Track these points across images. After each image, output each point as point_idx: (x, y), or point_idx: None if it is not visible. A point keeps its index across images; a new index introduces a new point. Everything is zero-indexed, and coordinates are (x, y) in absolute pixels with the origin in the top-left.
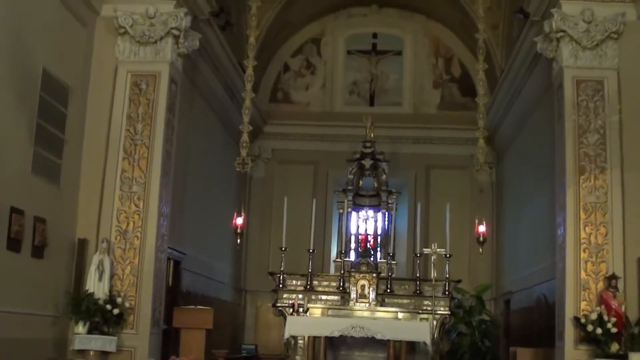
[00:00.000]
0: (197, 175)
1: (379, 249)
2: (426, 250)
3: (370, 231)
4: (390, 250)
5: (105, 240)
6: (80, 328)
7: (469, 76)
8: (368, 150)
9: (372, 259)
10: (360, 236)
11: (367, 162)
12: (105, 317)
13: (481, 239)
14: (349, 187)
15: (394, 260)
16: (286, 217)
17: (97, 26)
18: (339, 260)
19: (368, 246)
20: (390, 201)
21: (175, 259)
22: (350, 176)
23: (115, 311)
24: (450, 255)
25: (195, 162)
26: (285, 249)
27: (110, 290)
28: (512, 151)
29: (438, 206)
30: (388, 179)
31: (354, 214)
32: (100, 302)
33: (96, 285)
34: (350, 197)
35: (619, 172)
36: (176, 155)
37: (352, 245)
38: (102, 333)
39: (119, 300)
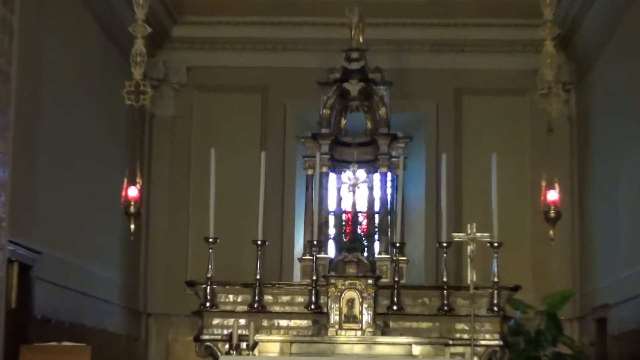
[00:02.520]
0: (59, 116)
1: (376, 236)
2: (458, 237)
3: (362, 207)
4: (397, 238)
5: None
6: None
7: None
8: (355, 66)
9: (365, 253)
10: (344, 215)
11: (354, 86)
12: None
13: (552, 213)
14: (324, 131)
15: (402, 256)
16: (215, 185)
17: None
18: (308, 257)
19: (358, 232)
20: (394, 153)
21: (23, 263)
22: (325, 111)
23: None
24: (499, 245)
25: (55, 92)
26: (215, 240)
27: None
28: (604, 64)
29: (476, 160)
30: (390, 115)
31: (332, 177)
32: None
33: None
34: (325, 148)
35: None
36: (20, 81)
37: (332, 231)
38: None
39: None
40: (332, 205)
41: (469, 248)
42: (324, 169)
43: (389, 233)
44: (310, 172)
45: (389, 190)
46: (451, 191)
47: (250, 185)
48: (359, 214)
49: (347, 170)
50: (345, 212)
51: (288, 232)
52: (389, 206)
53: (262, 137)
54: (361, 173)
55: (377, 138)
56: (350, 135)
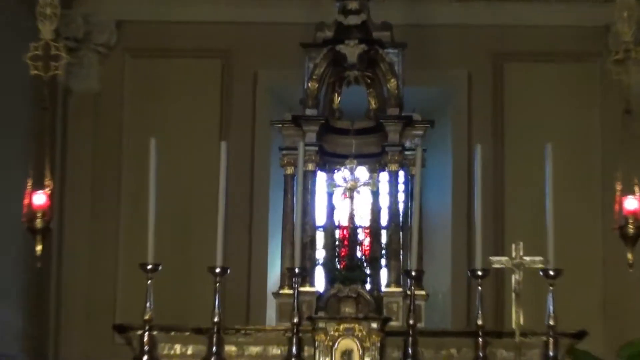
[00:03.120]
0: None
1: (383, 261)
2: (499, 262)
3: (363, 220)
4: (412, 264)
5: None
6: None
7: None
8: (354, 20)
9: (367, 285)
10: (338, 231)
11: (352, 50)
12: None
13: (630, 229)
14: (309, 112)
15: (420, 289)
16: (155, 189)
17: None
18: (286, 291)
19: (358, 255)
20: (409, 144)
21: None
22: (312, 85)
23: None
24: (557, 273)
25: None
26: (156, 267)
27: None
28: None
29: (524, 153)
30: (403, 91)
31: (321, 177)
32: None
33: None
34: (311, 137)
35: None
36: None
37: (320, 253)
38: None
39: None
40: (321, 218)
41: (515, 278)
42: (310, 167)
43: (401, 257)
44: (290, 170)
45: (401, 197)
46: (489, 197)
47: (205, 189)
48: (359, 230)
49: (343, 169)
50: (339, 227)
51: (259, 255)
52: (401, 219)
53: (222, 122)
54: (362, 172)
55: (384, 123)
56: (347, 119)
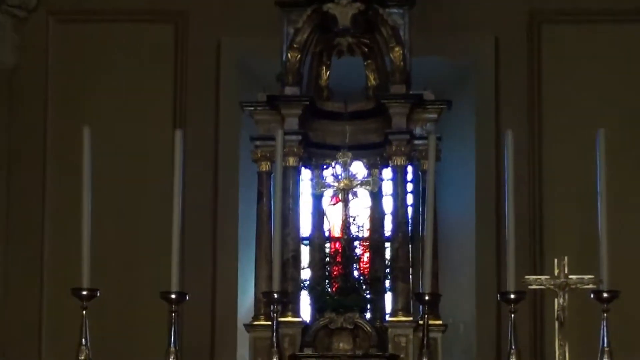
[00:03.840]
0: None
1: (387, 282)
2: (537, 282)
3: (361, 230)
4: (425, 287)
5: None
6: None
7: None
8: None
9: (367, 314)
10: (329, 244)
11: (344, 10)
12: None
13: None
14: (289, 91)
15: (436, 319)
16: (90, 190)
17: None
18: (262, 322)
19: (355, 275)
20: (419, 131)
21: None
22: (292, 55)
23: None
24: (612, 296)
25: None
26: (93, 294)
27: None
28: None
29: (567, 140)
30: (411, 63)
31: (306, 175)
32: None
33: None
34: (293, 123)
35: None
36: None
37: (306, 273)
38: None
39: None
40: (306, 228)
41: (558, 302)
42: (292, 162)
43: (411, 277)
44: (265, 167)
45: (409, 200)
46: (523, 198)
47: (155, 191)
48: (356, 243)
49: (334, 164)
50: (330, 239)
51: (226, 276)
52: (409, 228)
53: (176, 105)
54: (359, 168)
55: (387, 104)
56: (339, 100)
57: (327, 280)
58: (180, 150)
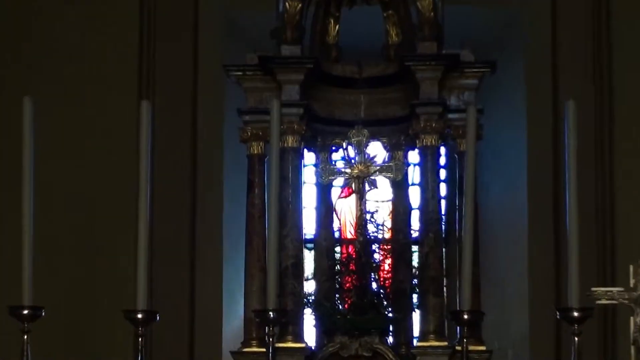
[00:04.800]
0: None
1: (415, 296)
2: (607, 296)
3: (380, 230)
4: (464, 303)
5: None
6: None
7: None
8: None
9: (390, 337)
10: (340, 249)
11: None
12: None
13: None
14: (287, 51)
15: (479, 344)
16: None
17: None
18: (254, 349)
19: (372, 287)
20: (455, 102)
21: None
22: (291, 5)
23: None
24: None
25: None
26: (36, 313)
27: None
28: None
29: None
30: (443, 12)
31: (309, 159)
32: None
33: None
34: (292, 92)
35: None
36: None
37: (310, 286)
38: None
39: None
40: (309, 227)
41: (635, 322)
42: (291, 142)
43: (445, 290)
44: (256, 149)
45: (442, 190)
46: (588, 189)
47: (117, 181)
48: (374, 246)
49: (345, 145)
50: (341, 241)
51: (207, 290)
52: (443, 227)
53: (142, 70)
54: (377, 149)
55: (413, 67)
56: (351, 62)
57: (337, 295)
58: (146, 129)
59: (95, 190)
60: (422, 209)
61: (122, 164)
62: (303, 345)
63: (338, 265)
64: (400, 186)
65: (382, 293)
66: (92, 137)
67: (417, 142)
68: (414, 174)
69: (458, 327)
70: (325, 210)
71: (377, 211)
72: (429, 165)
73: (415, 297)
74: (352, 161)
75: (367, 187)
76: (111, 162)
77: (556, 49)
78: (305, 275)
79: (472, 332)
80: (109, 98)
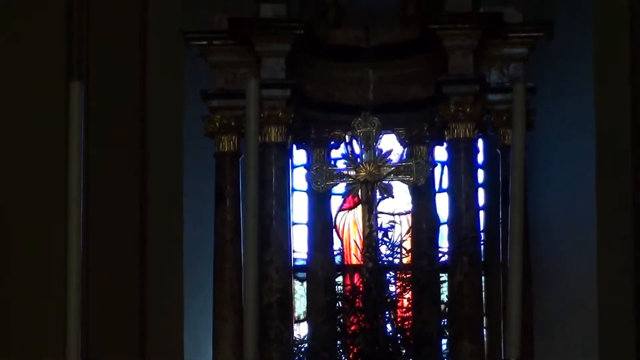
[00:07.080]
0: None
1: (443, 336)
2: None
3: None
4: (509, 346)
5: None
6: None
7: None
8: None
9: None
10: (343, 277)
11: None
12: None
13: None
14: (269, 13)
15: None
16: None
17: None
18: None
19: (386, 330)
20: (495, 78)
21: None
22: None
23: None
24: None
25: None
26: None
27: None
28: None
29: None
30: None
31: (300, 157)
32: None
33: None
34: (278, 66)
35: None
36: None
37: (302, 329)
38: None
39: None
40: (301, 249)
41: None
42: (274, 135)
43: (485, 329)
44: (227, 144)
45: (480, 197)
46: None
47: (44, 186)
48: (389, 274)
49: (348, 138)
50: (344, 267)
51: (162, 339)
52: (481, 248)
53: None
54: (391, 143)
55: (439, 31)
56: (355, 26)
57: (339, 341)
58: (77, 114)
59: (17, 199)
60: (453, 223)
61: (53, 163)
62: None
63: (340, 301)
64: (423, 193)
65: (399, 338)
66: (19, 127)
67: (446, 133)
68: (441, 177)
69: None
70: (322, 227)
71: (392, 227)
72: (462, 165)
73: (444, 342)
74: (358, 160)
75: (378, 195)
76: (39, 162)
77: (636, 10)
78: (296, 315)
79: None
80: (34, 80)
